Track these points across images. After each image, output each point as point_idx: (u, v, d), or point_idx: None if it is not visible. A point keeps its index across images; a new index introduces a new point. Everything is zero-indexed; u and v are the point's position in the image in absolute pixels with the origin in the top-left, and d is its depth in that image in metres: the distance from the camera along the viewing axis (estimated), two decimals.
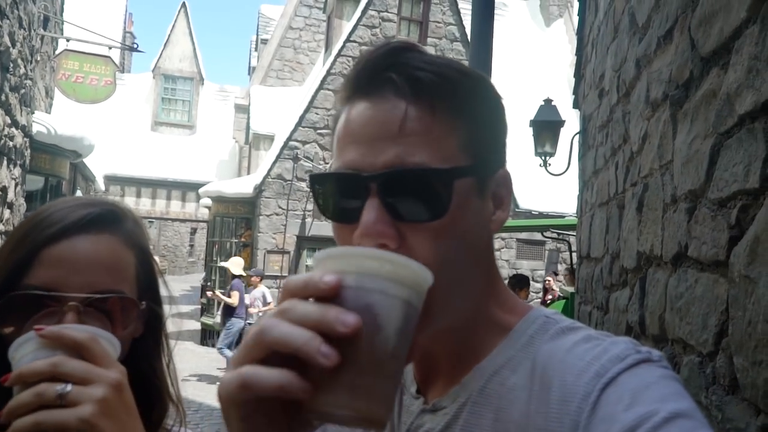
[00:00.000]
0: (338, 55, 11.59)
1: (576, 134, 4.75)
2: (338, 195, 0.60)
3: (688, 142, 1.77)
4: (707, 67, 1.64)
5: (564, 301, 6.19)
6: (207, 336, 11.30)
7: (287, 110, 13.61)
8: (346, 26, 12.19)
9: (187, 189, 16.71)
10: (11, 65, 4.67)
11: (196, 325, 12.51)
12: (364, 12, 11.70)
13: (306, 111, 11.41)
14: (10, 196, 5.02)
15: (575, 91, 4.95)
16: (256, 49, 22.25)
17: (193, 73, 19.06)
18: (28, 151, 5.76)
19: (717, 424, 1.38)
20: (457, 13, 12.28)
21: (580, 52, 4.81)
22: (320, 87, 11.48)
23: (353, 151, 0.57)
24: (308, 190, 11.31)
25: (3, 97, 4.46)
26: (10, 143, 4.86)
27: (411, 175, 0.55)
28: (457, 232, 0.57)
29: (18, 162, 5.25)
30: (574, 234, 6.94)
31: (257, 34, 22.43)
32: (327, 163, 10.85)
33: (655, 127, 2.21)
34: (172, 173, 16.83)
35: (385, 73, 0.57)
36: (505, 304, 0.65)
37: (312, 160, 11.33)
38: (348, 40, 11.64)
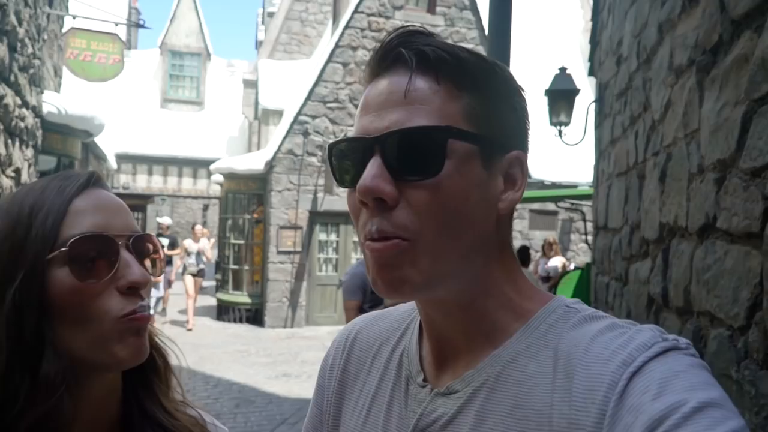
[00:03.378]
0: (346, 26, 11.41)
1: (592, 103, 4.65)
2: (348, 161, 0.63)
3: (716, 110, 1.71)
4: (738, 31, 1.57)
5: (579, 271, 6.16)
6: (223, 311, 11.41)
7: (296, 84, 13.49)
8: None
9: (198, 166, 16.71)
10: (19, 45, 4.64)
11: (211, 301, 12.63)
12: None
13: (315, 85, 11.29)
14: (24, 177, 5.03)
15: (591, 58, 4.84)
16: (262, 23, 21.98)
17: (200, 49, 18.89)
18: (40, 131, 5.75)
19: (750, 399, 1.36)
20: None
21: (595, 17, 4.68)
22: (329, 60, 11.33)
23: (364, 119, 0.62)
24: (319, 164, 11.30)
25: (12, 78, 4.43)
26: (22, 124, 4.85)
27: (409, 134, 0.58)
28: (452, 192, 0.58)
29: (30, 143, 5.24)
30: (589, 204, 6.86)
31: (263, 7, 22.13)
32: (337, 136, 10.80)
33: (680, 94, 2.14)
34: (182, 150, 16.83)
35: (395, 50, 0.61)
36: (522, 292, 0.65)
37: (322, 134, 11.25)
38: (356, 11, 11.43)
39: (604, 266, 3.87)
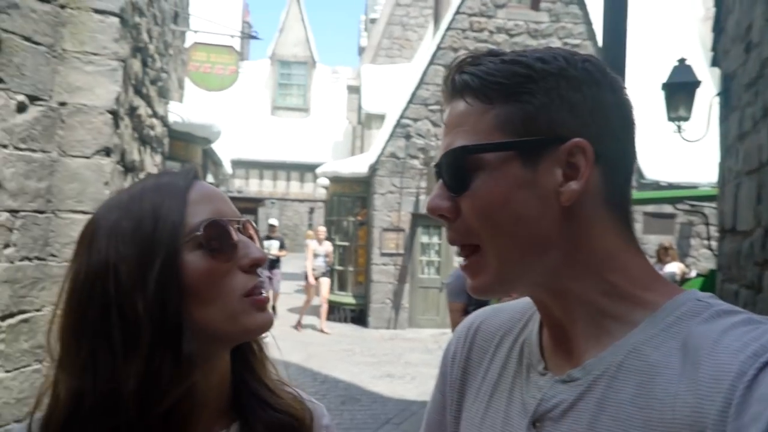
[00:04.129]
0: (448, 28, 11.39)
1: (715, 95, 4.31)
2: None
3: None
4: None
5: (701, 279, 5.71)
6: (329, 311, 11.76)
7: (398, 88, 13.66)
8: None
9: (305, 170, 17.42)
10: (149, 60, 5.07)
11: (316, 300, 13.08)
12: None
13: (417, 88, 11.37)
14: None
15: (714, 47, 4.49)
16: (365, 29, 22.49)
17: (307, 58, 19.68)
18: (167, 139, 6.26)
19: None
20: None
21: (719, 2, 4.33)
22: (430, 62, 11.37)
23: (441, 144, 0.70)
24: (421, 167, 11.35)
25: (144, 90, 4.86)
26: (152, 133, 5.30)
27: (449, 155, 0.66)
28: (489, 199, 0.63)
29: (158, 150, 5.72)
30: (712, 205, 6.34)
31: (366, 14, 22.65)
32: (439, 140, 10.81)
33: None
34: (290, 155, 17.61)
35: (450, 79, 0.69)
36: (637, 281, 0.64)
37: (424, 137, 11.31)
38: (457, 12, 11.38)
39: (732, 272, 3.57)
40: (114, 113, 3.70)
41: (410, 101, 11.37)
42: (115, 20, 3.73)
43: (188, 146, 7.54)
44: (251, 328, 0.73)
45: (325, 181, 12.93)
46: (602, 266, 0.64)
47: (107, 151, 3.67)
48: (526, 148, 0.63)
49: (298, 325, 10.50)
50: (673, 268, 8.61)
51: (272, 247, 10.81)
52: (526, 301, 0.78)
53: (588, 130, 0.64)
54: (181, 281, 0.68)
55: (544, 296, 0.68)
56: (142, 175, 4.89)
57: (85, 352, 0.67)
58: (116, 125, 3.79)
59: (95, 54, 3.66)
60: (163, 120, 5.99)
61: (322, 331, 10.34)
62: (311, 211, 23.70)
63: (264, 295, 0.74)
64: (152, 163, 5.39)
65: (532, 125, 0.63)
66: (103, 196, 3.62)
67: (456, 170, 0.65)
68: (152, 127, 5.31)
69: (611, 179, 0.65)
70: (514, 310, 0.80)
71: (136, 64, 4.45)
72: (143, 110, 4.81)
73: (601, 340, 0.63)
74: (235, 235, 0.72)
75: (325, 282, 10.66)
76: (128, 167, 4.32)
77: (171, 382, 0.66)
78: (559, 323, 0.68)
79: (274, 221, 11.85)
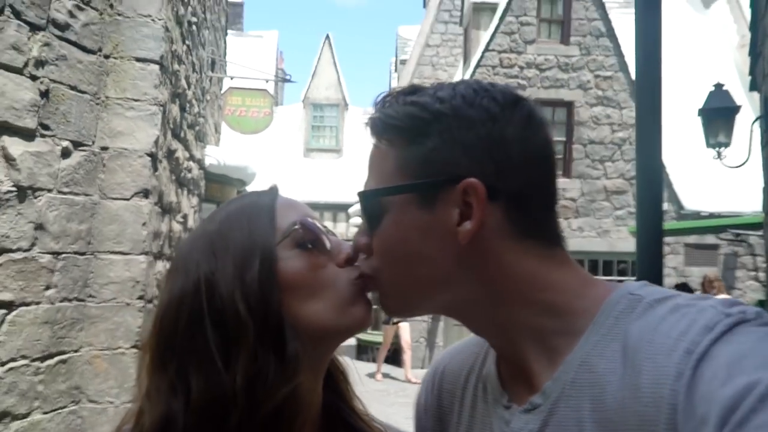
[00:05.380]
0: (477, 65, 11.52)
1: (756, 119, 4.21)
2: None
3: None
4: None
5: None
6: (362, 350, 11.65)
7: None
8: (484, 36, 12.09)
9: (337, 210, 17.54)
10: (187, 105, 5.25)
11: (350, 340, 12.99)
12: (502, 18, 11.53)
13: None
14: (190, 222, 5.60)
15: (752, 71, 4.40)
16: (395, 70, 22.91)
17: (339, 100, 20.08)
18: (203, 181, 6.41)
19: None
20: (601, 7, 11.64)
21: (754, 27, 4.27)
22: None
23: None
24: None
25: (182, 134, 5.01)
26: (189, 175, 5.44)
27: (360, 196, 0.69)
28: (392, 240, 0.66)
29: (195, 192, 5.85)
30: (758, 233, 6.11)
31: (396, 56, 23.10)
32: None
33: None
34: (323, 196, 17.80)
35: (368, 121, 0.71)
36: (568, 291, 0.64)
37: None
38: (486, 49, 11.53)
39: None
40: (152, 156, 3.81)
41: None
42: (156, 67, 3.88)
43: (224, 188, 7.70)
44: (358, 317, 0.73)
45: (358, 220, 12.99)
46: (528, 289, 0.64)
47: (146, 193, 3.76)
48: (422, 190, 0.65)
49: (377, 374, 9.58)
50: None
51: None
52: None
53: (483, 168, 0.63)
54: (281, 279, 0.70)
55: (488, 333, 0.69)
56: (179, 217, 5.00)
57: (172, 374, 0.68)
58: (155, 168, 3.89)
59: (136, 100, 3.80)
60: (200, 163, 6.15)
61: (408, 380, 9.38)
62: None
63: (366, 284, 0.74)
64: (189, 205, 5.51)
65: (427, 167, 0.64)
66: (141, 237, 3.70)
67: (365, 211, 0.69)
68: (189, 170, 5.45)
69: (522, 211, 0.64)
70: (474, 346, 0.79)
71: (174, 109, 4.60)
72: (181, 153, 4.94)
73: (553, 359, 0.63)
74: (325, 235, 0.75)
75: (405, 326, 9.77)
76: (165, 209, 4.42)
77: (278, 381, 0.66)
78: (510, 354, 0.67)
79: None
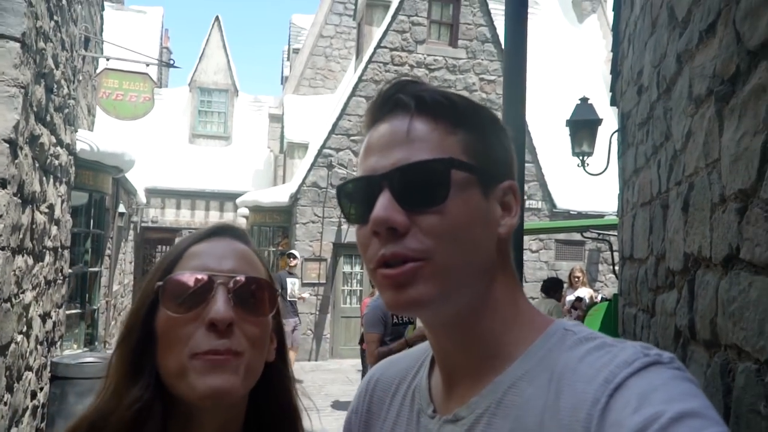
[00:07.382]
0: (369, 61, 11.63)
1: (614, 132, 4.63)
2: (358, 198, 0.68)
3: (736, 140, 1.69)
4: (755, 61, 1.57)
5: (607, 303, 6.05)
6: None
7: (320, 118, 13.70)
8: (377, 32, 12.22)
9: (225, 199, 16.98)
10: (55, 86, 4.83)
11: None
12: (394, 17, 11.72)
13: (339, 118, 11.48)
14: (57, 212, 5.18)
15: (612, 88, 4.83)
16: (288, 59, 22.51)
17: (228, 85, 19.40)
18: (73, 168, 5.94)
19: None
20: (487, 14, 12.17)
21: (616, 48, 4.69)
22: (352, 94, 11.53)
23: (370, 160, 0.67)
24: None
25: (48, 118, 4.61)
26: (56, 162, 5.02)
27: (414, 167, 0.63)
28: (457, 217, 0.63)
29: (63, 179, 5.42)
30: (615, 234, 6.76)
31: (289, 44, 22.70)
32: None
33: (700, 123, 2.13)
34: (209, 184, 17.14)
35: (394, 96, 0.67)
36: (523, 314, 0.68)
37: (346, 167, 11.37)
38: (379, 45, 11.66)
39: (631, 297, 3.80)
40: (11, 142, 3.49)
41: (332, 131, 11.44)
42: (16, 45, 3.54)
43: (98, 175, 7.19)
44: (198, 391, 0.69)
45: (245, 211, 12.69)
46: (506, 299, 0.68)
47: (3, 183, 3.44)
48: (487, 176, 0.66)
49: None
50: (583, 292, 9.03)
51: (295, 286, 9.01)
52: (422, 347, 0.81)
53: (513, 173, 0.71)
54: (155, 326, 0.73)
55: (457, 328, 0.67)
56: (44, 207, 4.61)
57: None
58: (14, 155, 3.56)
59: None
60: (69, 148, 5.69)
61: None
62: None
63: (222, 357, 0.70)
64: (56, 194, 5.09)
65: (489, 158, 0.67)
66: None
67: (422, 184, 0.63)
68: (57, 156, 5.04)
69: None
70: (411, 358, 0.82)
71: (39, 91, 4.23)
72: (46, 138, 4.56)
73: (486, 377, 0.66)
74: (211, 291, 0.72)
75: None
76: (27, 199, 4.06)
77: (119, 414, 0.70)
78: (454, 362, 0.69)
79: (295, 252, 9.77)
